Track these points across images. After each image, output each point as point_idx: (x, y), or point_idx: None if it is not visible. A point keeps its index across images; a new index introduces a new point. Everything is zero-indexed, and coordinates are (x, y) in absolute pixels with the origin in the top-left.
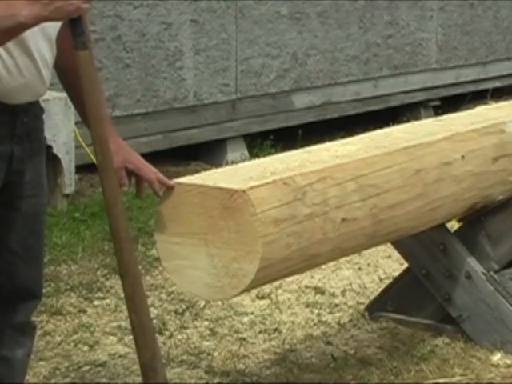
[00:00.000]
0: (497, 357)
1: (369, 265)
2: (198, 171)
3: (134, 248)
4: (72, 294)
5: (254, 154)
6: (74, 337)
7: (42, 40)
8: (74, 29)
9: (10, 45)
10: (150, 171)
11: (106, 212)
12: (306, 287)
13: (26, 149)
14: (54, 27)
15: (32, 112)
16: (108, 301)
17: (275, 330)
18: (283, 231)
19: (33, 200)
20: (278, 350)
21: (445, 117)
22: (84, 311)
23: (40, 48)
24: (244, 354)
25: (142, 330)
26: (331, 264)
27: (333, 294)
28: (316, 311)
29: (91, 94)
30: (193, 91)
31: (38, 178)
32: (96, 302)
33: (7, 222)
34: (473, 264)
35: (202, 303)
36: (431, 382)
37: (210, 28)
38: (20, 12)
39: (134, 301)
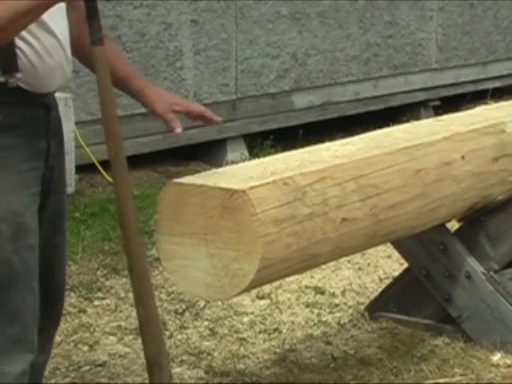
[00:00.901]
0: (497, 357)
1: (369, 265)
2: (198, 171)
3: (142, 243)
4: (72, 294)
5: (253, 154)
6: (74, 337)
7: (60, 19)
8: (91, 24)
9: (33, 27)
10: (197, 105)
11: (117, 206)
12: (306, 287)
13: (56, 144)
14: (63, 5)
15: (56, 106)
16: (108, 301)
17: (275, 330)
18: (283, 231)
19: (58, 196)
20: (277, 350)
21: (445, 117)
22: (84, 311)
23: (60, 27)
24: (244, 354)
25: (149, 325)
26: (331, 264)
27: (333, 294)
28: (316, 311)
29: (105, 89)
30: (193, 91)
31: (62, 174)
32: (96, 302)
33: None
34: (473, 264)
35: (202, 303)
36: (431, 382)
37: (210, 28)
38: None
39: (142, 295)
